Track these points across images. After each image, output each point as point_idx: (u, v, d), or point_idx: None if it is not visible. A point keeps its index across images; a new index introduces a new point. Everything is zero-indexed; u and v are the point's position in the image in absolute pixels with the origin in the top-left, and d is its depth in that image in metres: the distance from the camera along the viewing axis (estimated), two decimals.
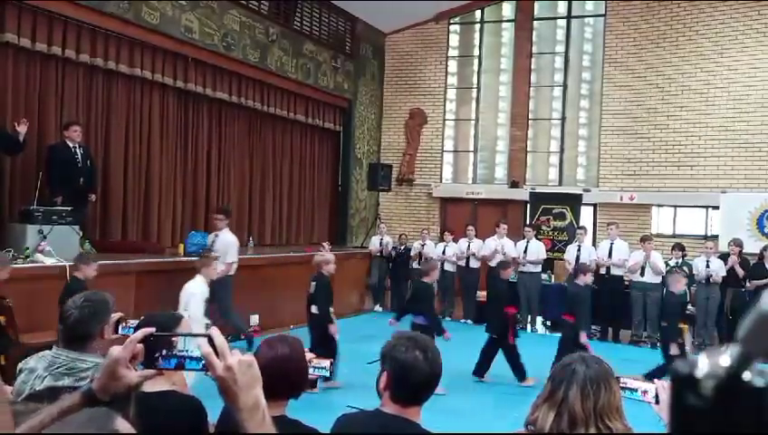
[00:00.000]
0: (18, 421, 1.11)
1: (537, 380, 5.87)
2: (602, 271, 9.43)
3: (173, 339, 1.11)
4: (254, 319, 8.14)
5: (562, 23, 12.16)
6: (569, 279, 9.71)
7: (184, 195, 9.24)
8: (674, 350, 5.95)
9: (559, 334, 9.50)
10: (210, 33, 8.98)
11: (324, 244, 10.70)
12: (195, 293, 5.43)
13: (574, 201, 11.05)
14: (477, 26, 12.75)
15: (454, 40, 12.89)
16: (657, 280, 8.91)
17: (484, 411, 5.66)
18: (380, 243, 11.05)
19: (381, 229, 11.41)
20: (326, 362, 2.97)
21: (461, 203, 12.41)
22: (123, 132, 8.23)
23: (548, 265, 10.49)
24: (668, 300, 6.37)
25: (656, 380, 2.04)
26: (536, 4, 12.26)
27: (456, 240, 10.47)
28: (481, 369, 6.50)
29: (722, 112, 10.60)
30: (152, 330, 1.12)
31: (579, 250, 9.54)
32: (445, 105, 12.82)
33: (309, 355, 2.05)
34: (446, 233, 10.73)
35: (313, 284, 6.20)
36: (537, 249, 9.93)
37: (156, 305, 5.63)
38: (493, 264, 10.15)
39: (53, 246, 6.08)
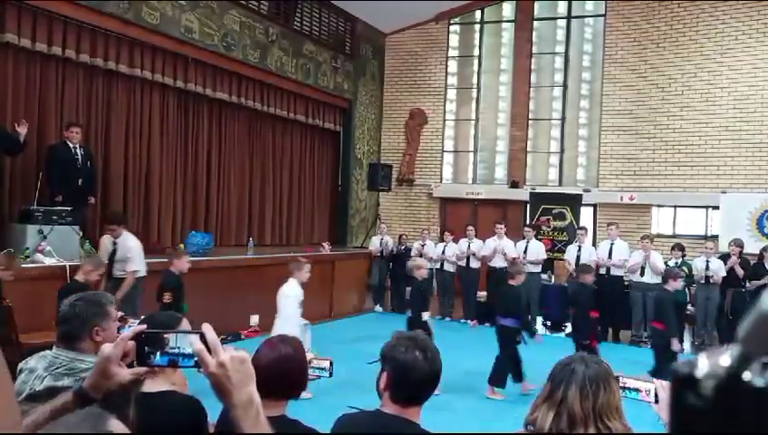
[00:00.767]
0: None
1: (534, 386, 5.84)
2: (602, 271, 9.42)
3: (166, 336, 1.10)
4: (254, 319, 8.13)
5: (562, 23, 12.16)
6: (569, 279, 9.75)
7: (184, 195, 9.25)
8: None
9: (560, 335, 9.57)
10: (210, 33, 8.98)
11: (324, 244, 10.73)
12: (288, 295, 5.68)
13: (574, 201, 11.04)
14: (477, 26, 12.75)
15: (454, 40, 12.89)
16: (657, 280, 8.89)
17: (485, 412, 5.66)
18: (380, 243, 11.05)
19: (381, 229, 11.42)
20: (326, 363, 2.98)
21: (461, 203, 12.41)
22: (123, 132, 8.23)
23: (548, 265, 10.49)
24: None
25: (655, 379, 2.04)
26: (536, 5, 12.26)
27: (455, 240, 10.47)
28: None
29: (722, 112, 10.60)
30: (143, 327, 1.12)
31: (579, 250, 9.54)
32: (445, 105, 12.83)
33: (309, 355, 2.05)
34: (446, 233, 10.73)
35: (408, 290, 6.29)
36: (537, 249, 9.93)
37: (156, 305, 5.63)
38: (493, 264, 10.17)
39: (53, 247, 6.08)
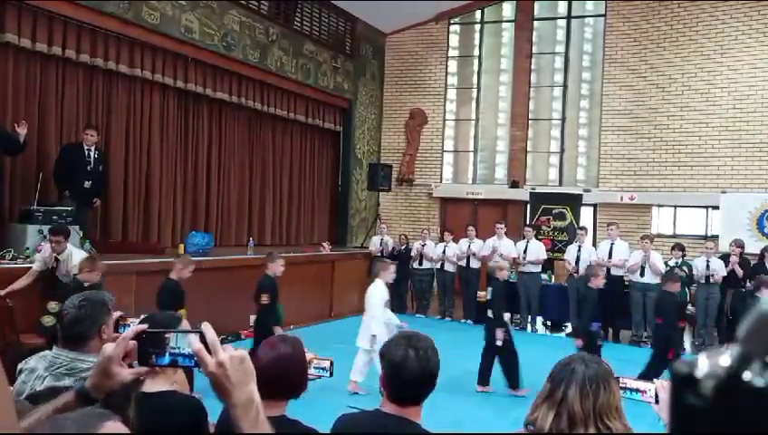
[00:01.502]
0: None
1: (529, 389, 5.87)
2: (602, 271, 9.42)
3: (166, 336, 1.10)
4: (254, 319, 8.12)
5: (562, 23, 12.16)
6: (569, 280, 9.75)
7: (184, 195, 9.25)
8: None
9: (560, 335, 9.57)
10: (210, 33, 8.98)
11: (324, 244, 10.73)
12: (374, 296, 5.92)
13: (574, 201, 11.04)
14: (477, 26, 12.75)
15: (454, 40, 12.89)
16: (657, 280, 8.90)
17: (485, 412, 5.66)
18: (380, 243, 11.05)
19: (381, 229, 11.41)
20: (326, 363, 2.97)
21: (461, 203, 12.41)
22: (123, 132, 8.23)
23: (548, 265, 10.49)
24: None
25: (655, 379, 2.04)
26: (536, 5, 12.26)
27: (456, 240, 10.47)
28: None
29: (722, 112, 10.60)
30: (144, 327, 1.12)
31: (579, 250, 9.55)
32: (445, 105, 12.82)
33: (309, 355, 2.05)
34: (446, 233, 10.73)
35: (490, 289, 6.36)
36: (537, 249, 9.93)
37: (156, 306, 5.64)
38: (493, 264, 10.16)
39: None
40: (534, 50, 12.27)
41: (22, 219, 6.47)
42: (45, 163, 7.14)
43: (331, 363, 2.98)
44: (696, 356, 0.45)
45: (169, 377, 1.93)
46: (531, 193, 11.55)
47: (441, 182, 12.77)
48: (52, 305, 5.08)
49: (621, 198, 11.09)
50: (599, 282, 6.39)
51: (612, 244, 9.45)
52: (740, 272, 8.63)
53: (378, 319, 5.78)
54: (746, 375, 0.41)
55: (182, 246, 8.06)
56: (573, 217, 10.87)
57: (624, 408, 1.72)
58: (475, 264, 10.25)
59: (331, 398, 5.45)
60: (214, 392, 1.05)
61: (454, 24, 12.82)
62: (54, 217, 6.29)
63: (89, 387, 1.11)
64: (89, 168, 6.94)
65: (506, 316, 6.32)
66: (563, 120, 12.08)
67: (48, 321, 5.04)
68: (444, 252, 10.41)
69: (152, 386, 1.83)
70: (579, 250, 9.54)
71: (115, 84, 8.08)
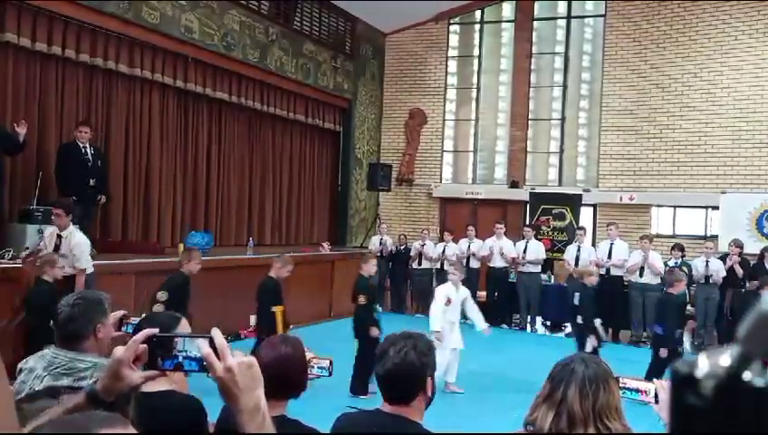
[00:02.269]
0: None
1: None
2: (602, 271, 9.43)
3: (175, 340, 1.11)
4: (254, 319, 8.12)
5: (562, 23, 12.15)
6: (569, 280, 9.75)
7: (184, 195, 9.25)
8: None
9: (560, 335, 9.57)
10: (210, 33, 8.98)
11: (324, 244, 10.73)
12: (439, 293, 6.11)
13: (574, 201, 11.04)
14: (477, 26, 12.75)
15: (454, 40, 12.89)
16: (657, 280, 8.92)
17: (485, 411, 5.66)
18: (380, 243, 11.05)
19: (381, 229, 11.42)
20: (326, 362, 2.98)
21: (461, 203, 12.41)
22: (123, 132, 8.23)
23: (548, 265, 10.49)
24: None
25: (655, 379, 2.04)
26: (536, 5, 12.26)
27: (455, 240, 10.47)
28: None
29: (722, 113, 10.60)
30: (155, 331, 1.12)
31: (578, 250, 9.56)
32: (444, 105, 12.82)
33: (309, 355, 2.06)
34: (445, 233, 10.73)
35: (577, 295, 6.30)
36: (536, 249, 9.94)
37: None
38: (492, 264, 10.17)
39: None
40: (534, 50, 12.27)
41: (21, 219, 6.47)
42: (45, 163, 7.14)
43: (331, 363, 2.99)
44: (695, 356, 0.45)
45: (169, 377, 1.93)
46: (530, 193, 11.55)
47: (441, 182, 12.77)
48: (160, 294, 5.37)
49: (621, 199, 11.09)
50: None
51: (612, 244, 9.46)
52: (740, 271, 8.64)
53: (437, 319, 5.92)
54: (746, 375, 0.41)
55: (182, 245, 8.06)
56: (573, 218, 10.87)
57: (624, 408, 1.73)
58: (474, 264, 10.25)
59: (331, 397, 5.45)
60: (221, 397, 1.06)
61: (453, 23, 12.82)
62: (53, 217, 6.28)
63: (99, 389, 1.11)
64: (89, 165, 6.91)
65: (597, 322, 6.17)
66: (563, 120, 12.08)
67: (157, 309, 5.22)
68: (443, 252, 10.42)
69: (152, 386, 1.83)
70: (578, 250, 9.55)
71: (115, 84, 8.08)
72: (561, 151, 12.09)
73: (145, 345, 1.10)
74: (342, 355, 5.93)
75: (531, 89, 12.25)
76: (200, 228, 9.13)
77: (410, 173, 12.84)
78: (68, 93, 7.55)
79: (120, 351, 1.11)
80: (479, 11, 12.68)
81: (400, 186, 12.81)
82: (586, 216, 11.28)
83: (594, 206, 11.46)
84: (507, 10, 12.57)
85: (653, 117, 11.07)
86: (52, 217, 5.64)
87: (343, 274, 10.29)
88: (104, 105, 8.01)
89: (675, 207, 10.99)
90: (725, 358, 0.43)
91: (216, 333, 1.06)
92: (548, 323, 10.10)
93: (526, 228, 10.26)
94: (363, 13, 11.95)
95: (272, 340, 2.01)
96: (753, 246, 9.21)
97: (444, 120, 12.83)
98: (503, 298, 10.02)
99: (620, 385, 1.90)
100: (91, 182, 6.89)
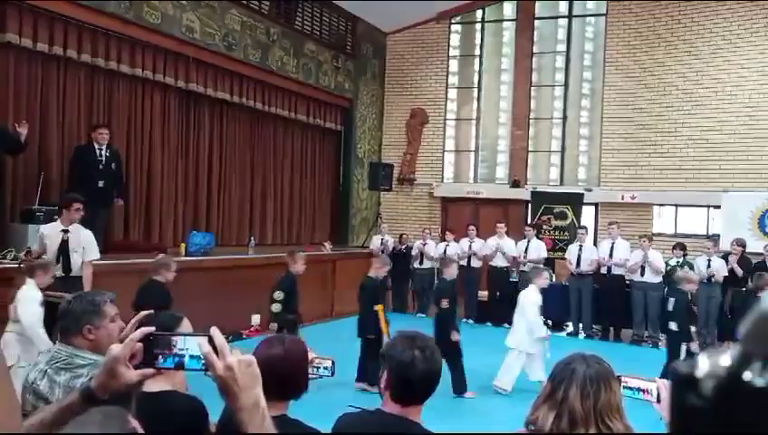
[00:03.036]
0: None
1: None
2: (603, 271, 9.42)
3: (174, 338, 1.11)
4: (256, 319, 8.14)
5: (564, 22, 12.14)
6: (570, 279, 9.75)
7: (185, 195, 9.26)
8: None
9: (561, 334, 9.56)
10: (211, 32, 8.99)
11: (325, 243, 10.73)
12: (529, 300, 6.15)
13: (576, 200, 11.04)
14: (478, 26, 12.74)
15: (455, 40, 12.88)
16: (658, 279, 8.91)
17: (485, 411, 5.65)
18: (381, 242, 11.05)
19: (382, 229, 11.42)
20: (328, 362, 2.98)
21: (462, 202, 12.40)
22: (125, 132, 8.24)
23: (549, 264, 10.48)
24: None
25: (657, 378, 2.04)
26: (537, 4, 12.25)
27: (457, 240, 10.47)
28: None
29: (725, 110, 10.57)
30: (152, 329, 1.12)
31: (580, 250, 9.55)
32: (446, 105, 12.81)
33: (311, 355, 2.05)
34: (447, 232, 10.73)
35: (672, 300, 6.22)
36: (538, 249, 9.93)
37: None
38: (493, 263, 10.17)
39: None
40: (535, 49, 12.26)
41: (23, 219, 6.47)
42: (47, 163, 7.16)
43: (333, 363, 2.99)
44: (696, 356, 0.45)
45: (170, 377, 1.93)
46: (532, 192, 11.54)
47: (442, 182, 12.77)
48: (277, 294, 5.74)
49: (623, 197, 11.07)
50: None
51: (613, 243, 9.45)
52: (739, 271, 8.62)
53: (535, 324, 6.07)
54: (746, 375, 0.41)
55: (183, 245, 8.07)
56: (574, 217, 10.86)
57: (626, 407, 1.72)
58: (476, 263, 10.25)
59: (333, 397, 5.45)
60: (221, 395, 1.06)
61: (455, 23, 12.81)
62: (56, 217, 6.29)
63: (94, 387, 1.12)
64: (100, 166, 6.97)
65: (693, 329, 6.06)
66: (564, 119, 12.07)
67: (276, 308, 5.73)
68: (445, 251, 10.41)
69: (153, 386, 1.83)
70: (580, 249, 9.54)
71: (116, 84, 8.09)
72: (563, 150, 12.08)
73: (141, 344, 1.10)
74: (345, 355, 5.94)
75: (532, 88, 12.24)
76: (202, 228, 9.14)
77: (412, 173, 12.83)
78: (69, 94, 7.57)
79: (116, 349, 1.11)
80: (480, 10, 12.67)
81: (402, 185, 12.80)
82: (588, 215, 11.26)
83: (596, 205, 11.45)
84: (508, 9, 12.55)
85: (655, 115, 11.05)
86: (72, 211, 5.48)
87: (345, 273, 10.29)
88: (106, 105, 8.02)
89: (676, 205, 10.97)
90: (725, 358, 0.42)
91: (216, 332, 1.07)
92: (549, 322, 10.08)
93: (527, 228, 10.25)
94: (364, 12, 11.95)
95: (270, 340, 2.01)
96: (755, 245, 9.19)
97: (445, 119, 12.82)
98: (504, 298, 10.00)
99: (622, 384, 1.90)
100: (100, 184, 6.93)
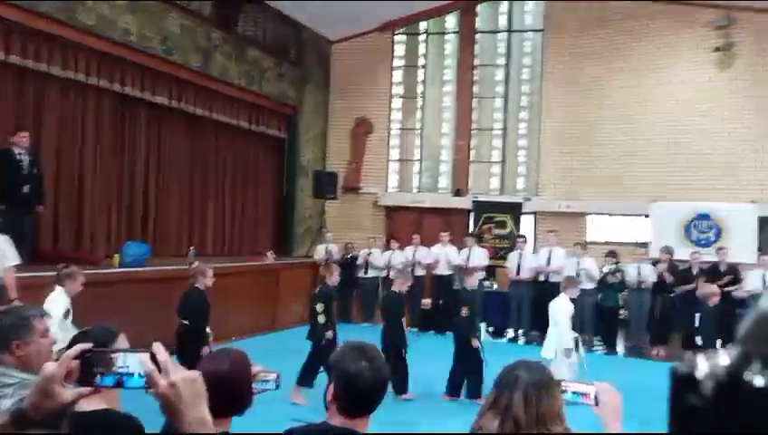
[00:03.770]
0: None
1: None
2: (541, 278, 9.72)
3: (112, 355, 1.06)
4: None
5: (503, 36, 12.51)
6: (510, 286, 10.01)
7: (119, 203, 8.89)
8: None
9: (502, 341, 9.77)
10: (149, 36, 8.71)
11: (268, 253, 10.56)
12: (561, 309, 6.25)
13: (515, 210, 11.36)
14: (422, 37, 12.95)
15: (399, 50, 13.03)
16: (592, 285, 9.28)
17: (431, 418, 5.69)
18: (326, 251, 10.98)
19: (327, 238, 11.35)
20: (273, 375, 2.91)
21: (406, 211, 12.50)
22: (55, 137, 7.85)
23: (490, 272, 10.72)
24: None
25: (596, 382, 2.11)
26: (478, 18, 12.57)
27: (402, 248, 10.54)
28: None
29: (655, 126, 11.11)
30: (89, 345, 1.07)
31: (520, 257, 9.83)
32: (390, 114, 12.92)
33: (255, 368, 2.01)
34: (392, 241, 10.79)
35: (698, 316, 6.26)
36: (480, 256, 10.14)
37: (90, 320, 5.38)
38: (437, 271, 10.30)
39: None
40: (477, 62, 12.57)
41: None
42: None
43: (278, 376, 2.93)
44: (695, 356, 0.46)
45: (105, 395, 1.84)
46: (474, 202, 11.79)
47: (387, 191, 12.84)
48: (319, 306, 6.07)
49: (559, 207, 11.47)
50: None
51: (551, 251, 9.77)
52: (668, 277, 9.09)
53: (566, 333, 6.11)
54: (746, 375, 0.41)
55: (117, 256, 7.74)
56: (514, 225, 11.18)
57: (566, 411, 1.77)
58: (419, 271, 10.35)
59: (278, 411, 5.35)
60: (163, 413, 1.02)
61: (399, 33, 12.97)
62: None
63: (26, 407, 1.05)
64: (23, 172, 6.59)
65: (719, 344, 6.07)
66: (505, 130, 12.41)
67: (321, 320, 6.04)
68: (390, 260, 10.46)
69: (87, 404, 1.74)
70: (519, 257, 9.82)
71: (47, 87, 7.71)
72: (503, 161, 12.41)
73: (77, 361, 1.05)
74: (289, 367, 5.84)
75: (474, 99, 12.53)
76: (137, 238, 8.80)
77: (356, 181, 12.84)
78: None
79: (50, 367, 1.05)
80: (424, 22, 12.87)
81: (346, 194, 12.79)
82: (527, 224, 11.60)
83: (534, 214, 11.81)
84: (451, 22, 12.82)
85: (590, 128, 11.52)
86: None
87: (289, 283, 10.16)
88: (35, 109, 7.62)
89: (609, 215, 11.47)
90: (725, 358, 0.43)
91: (159, 348, 1.03)
92: (491, 329, 10.30)
93: (469, 236, 10.46)
94: (309, 20, 11.91)
95: (213, 355, 1.96)
96: (682, 253, 9.72)
97: (389, 129, 12.92)
98: (447, 305, 10.15)
99: (562, 389, 1.95)
100: (25, 189, 6.56)
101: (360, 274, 10.77)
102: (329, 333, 6.04)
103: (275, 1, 11.06)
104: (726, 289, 8.76)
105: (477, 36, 12.56)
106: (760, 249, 9.84)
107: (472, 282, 6.60)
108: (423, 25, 12.93)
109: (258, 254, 10.57)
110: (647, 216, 10.93)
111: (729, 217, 10.34)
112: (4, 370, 1.93)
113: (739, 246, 9.80)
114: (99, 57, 8.07)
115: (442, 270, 10.24)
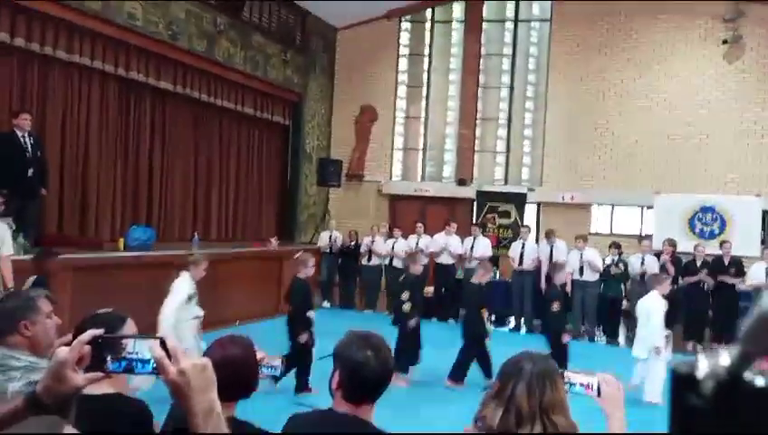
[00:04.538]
0: None
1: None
2: (544, 270, 9.72)
3: (123, 341, 1.07)
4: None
5: (510, 25, 12.42)
6: (513, 275, 10.02)
7: (124, 187, 8.91)
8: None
9: (504, 329, 9.81)
10: (155, 20, 8.67)
11: (272, 239, 10.58)
12: (654, 307, 6.07)
13: (519, 200, 11.35)
14: (428, 25, 12.86)
15: (405, 38, 12.95)
16: (596, 277, 9.30)
17: (432, 406, 5.74)
18: (330, 239, 11.01)
19: (331, 225, 11.37)
20: (277, 361, 2.95)
21: (410, 200, 12.50)
22: (60, 121, 7.85)
23: (494, 261, 10.72)
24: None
25: (598, 373, 2.12)
26: (485, 6, 12.47)
27: (405, 236, 10.56)
28: None
29: (659, 118, 11.08)
30: (101, 331, 1.08)
31: (522, 247, 9.84)
32: (395, 102, 12.87)
33: (260, 354, 2.03)
34: (395, 229, 10.81)
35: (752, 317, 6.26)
36: (483, 246, 10.15)
37: (95, 304, 5.41)
38: (440, 260, 10.32)
39: None
40: (483, 51, 12.49)
41: None
42: None
43: (282, 362, 2.96)
44: (694, 356, 0.47)
45: (113, 379, 1.87)
46: (477, 191, 11.78)
47: (390, 179, 12.83)
48: (405, 295, 6.41)
49: (563, 198, 11.46)
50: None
51: (552, 245, 9.79)
52: (671, 269, 9.09)
53: (658, 331, 6.01)
54: (746, 375, 0.41)
55: (122, 240, 7.77)
56: (518, 215, 11.17)
57: (570, 402, 1.78)
58: (422, 260, 10.34)
59: (283, 396, 5.41)
60: (173, 399, 1.03)
61: (405, 21, 12.88)
62: None
63: (39, 392, 1.07)
64: (27, 155, 6.53)
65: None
66: (509, 120, 12.36)
67: (406, 308, 6.36)
68: (393, 248, 10.48)
69: (94, 388, 1.76)
70: (522, 247, 9.84)
71: (52, 71, 7.69)
72: (508, 151, 12.38)
73: (89, 347, 1.07)
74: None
75: (479, 89, 12.46)
76: (141, 222, 8.83)
77: (360, 169, 12.83)
78: (0, 80, 7.13)
79: (63, 352, 1.07)
80: (430, 10, 12.78)
81: (350, 182, 12.78)
82: (530, 214, 11.60)
83: (538, 204, 11.80)
84: (457, 11, 12.72)
85: (594, 119, 11.48)
86: None
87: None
88: (40, 93, 7.61)
89: (613, 205, 11.45)
90: (725, 358, 0.43)
91: (168, 335, 1.04)
92: (493, 317, 10.32)
93: (474, 226, 10.47)
94: (314, 7, 11.84)
95: (221, 340, 1.97)
96: (685, 245, 9.71)
97: (394, 117, 12.88)
98: (449, 294, 10.18)
99: (565, 380, 1.96)
100: (30, 172, 6.54)
101: (364, 261, 10.79)
102: (412, 322, 6.27)
103: None
104: (730, 282, 8.80)
105: (484, 25, 12.47)
106: (763, 242, 9.82)
107: (561, 278, 6.86)
108: (429, 13, 12.83)
109: (262, 240, 10.60)
110: (651, 207, 10.91)
111: (733, 210, 10.32)
112: (13, 352, 1.96)
113: (743, 239, 9.77)
114: (104, 41, 8.05)
115: (445, 259, 10.26)
